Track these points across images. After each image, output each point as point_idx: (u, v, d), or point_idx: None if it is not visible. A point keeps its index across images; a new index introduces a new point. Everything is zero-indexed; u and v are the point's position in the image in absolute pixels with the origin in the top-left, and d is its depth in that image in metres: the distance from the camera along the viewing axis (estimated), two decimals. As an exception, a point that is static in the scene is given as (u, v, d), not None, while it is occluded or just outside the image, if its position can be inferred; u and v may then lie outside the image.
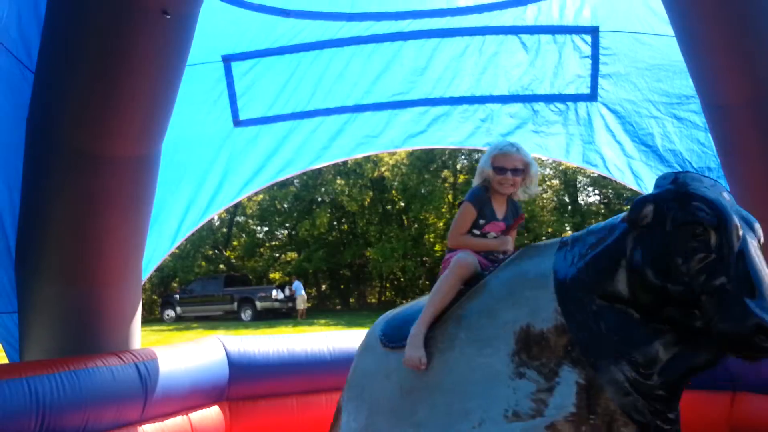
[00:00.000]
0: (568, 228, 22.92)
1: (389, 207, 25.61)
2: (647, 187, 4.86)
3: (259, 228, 29.54)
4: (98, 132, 3.23)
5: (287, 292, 22.60)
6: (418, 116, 5.17)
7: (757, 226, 2.21)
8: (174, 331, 18.42)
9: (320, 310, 25.18)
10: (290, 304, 22.38)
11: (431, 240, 24.03)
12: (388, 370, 2.72)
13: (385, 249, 22.86)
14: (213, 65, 4.78)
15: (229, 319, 22.02)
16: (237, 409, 4.20)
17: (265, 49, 4.84)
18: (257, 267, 28.31)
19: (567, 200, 25.80)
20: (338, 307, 27.12)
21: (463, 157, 23.71)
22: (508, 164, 2.91)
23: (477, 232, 2.89)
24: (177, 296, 24.02)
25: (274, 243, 29.62)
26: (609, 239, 2.38)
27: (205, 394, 3.97)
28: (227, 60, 4.81)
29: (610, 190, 24.01)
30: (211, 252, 29.56)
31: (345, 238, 26.78)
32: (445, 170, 24.52)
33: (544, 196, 26.21)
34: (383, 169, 23.32)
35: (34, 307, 3.52)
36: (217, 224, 28.90)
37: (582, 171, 22.51)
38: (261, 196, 26.53)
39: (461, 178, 24.26)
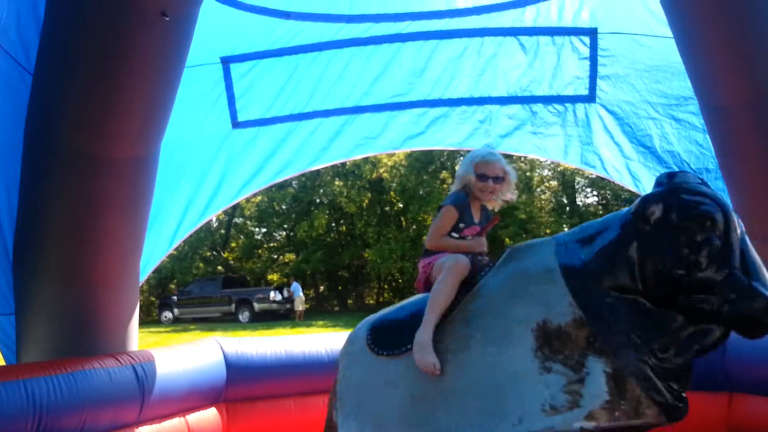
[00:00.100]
0: (566, 229, 22.91)
1: (388, 208, 25.61)
2: (645, 188, 4.86)
3: (257, 229, 29.54)
4: (97, 133, 3.22)
5: (285, 293, 22.59)
6: (417, 117, 5.17)
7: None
8: (171, 332, 18.39)
9: (318, 312, 25.17)
10: (288, 306, 22.36)
11: (430, 241, 23.98)
12: (390, 379, 2.65)
13: (383, 250, 22.86)
14: (212, 67, 4.78)
15: (227, 321, 22.00)
16: (234, 411, 4.19)
17: (263, 51, 4.84)
18: (255, 268, 28.29)
19: (565, 201, 25.82)
20: (336, 309, 27.11)
21: (461, 158, 23.71)
22: (490, 172, 3.01)
23: (456, 235, 2.96)
24: (175, 298, 23.99)
25: (272, 244, 29.61)
26: (615, 235, 2.49)
27: (203, 396, 3.96)
28: (226, 62, 4.80)
29: (609, 191, 24.04)
30: (209, 253, 29.54)
31: (343, 240, 26.78)
32: (444, 171, 24.52)
33: (543, 197, 26.24)
34: (382, 170, 23.33)
35: (32, 308, 3.51)
36: (215, 226, 28.89)
37: (580, 172, 22.54)
38: (259, 198, 26.52)
39: (460, 179, 24.23)
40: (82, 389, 3.07)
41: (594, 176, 19.02)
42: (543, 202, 25.81)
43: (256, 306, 21.89)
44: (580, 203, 25.83)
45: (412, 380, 2.58)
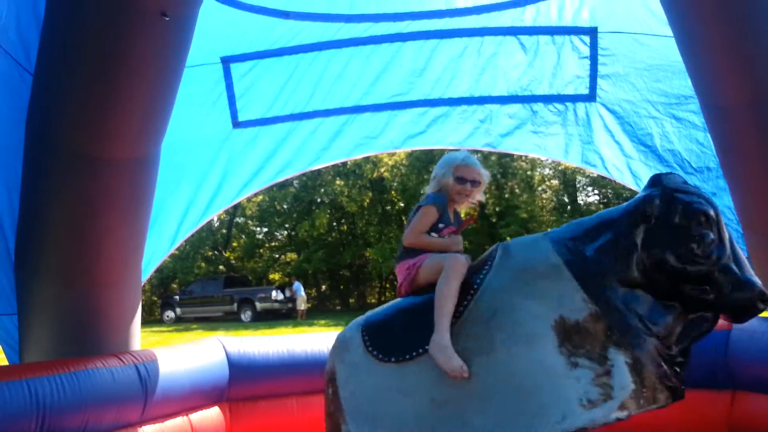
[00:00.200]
0: (567, 228, 22.87)
1: (389, 207, 25.61)
2: (646, 187, 4.86)
3: (258, 229, 29.54)
4: (97, 134, 3.23)
5: (287, 293, 22.60)
6: (417, 117, 5.18)
7: None
8: (174, 332, 18.41)
9: (320, 311, 25.18)
10: (290, 305, 22.37)
11: (431, 240, 23.98)
12: (404, 387, 2.59)
13: (384, 249, 22.86)
14: (212, 67, 4.78)
15: (229, 320, 22.02)
16: (237, 410, 4.20)
17: (264, 51, 4.84)
18: (257, 268, 28.30)
19: (566, 200, 25.81)
20: (338, 308, 27.12)
21: (462, 157, 23.69)
22: (469, 176, 3.07)
23: (435, 235, 2.98)
24: (177, 297, 24.01)
25: (273, 244, 29.62)
26: (617, 232, 2.63)
27: (205, 395, 3.97)
28: (226, 61, 4.81)
29: (610, 190, 24.03)
30: (210, 253, 29.55)
31: (344, 239, 26.78)
32: (445, 171, 24.49)
33: (544, 196, 26.23)
34: (382, 169, 23.32)
35: (34, 308, 3.52)
36: (216, 225, 28.90)
37: (581, 171, 22.52)
38: (260, 197, 26.52)
39: (460, 178, 24.22)
40: (85, 389, 3.07)
41: (595, 175, 19.01)
42: (544, 201, 25.80)
43: (258, 305, 21.91)
44: (582, 202, 25.83)
45: (430, 385, 2.55)
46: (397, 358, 2.64)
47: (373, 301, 26.83)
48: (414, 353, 2.61)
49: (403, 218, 25.03)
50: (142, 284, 4.19)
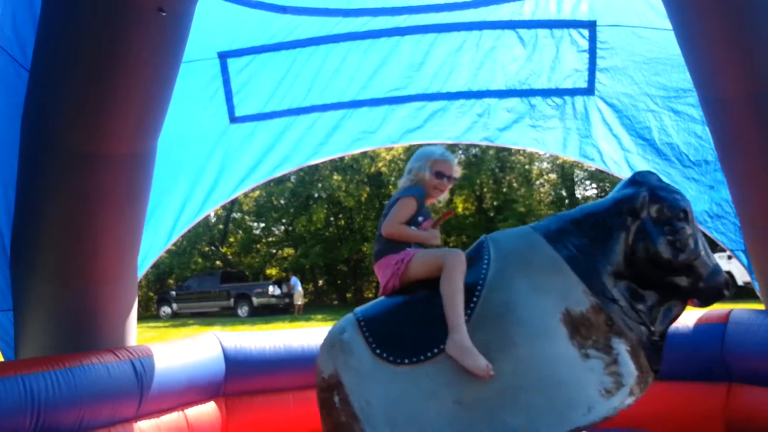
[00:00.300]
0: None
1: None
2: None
3: (255, 224, 29.54)
4: (93, 130, 3.21)
5: (284, 288, 22.60)
6: (415, 111, 5.16)
7: None
8: (170, 327, 18.42)
9: (317, 306, 25.20)
10: (287, 300, 22.38)
11: (428, 235, 24.00)
12: (424, 390, 2.53)
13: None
14: (209, 62, 4.76)
15: (226, 316, 22.03)
16: (233, 405, 4.21)
17: (261, 46, 4.82)
18: (254, 263, 28.30)
19: (564, 194, 25.83)
20: (335, 303, 27.14)
21: (460, 152, 23.70)
22: (447, 171, 3.09)
23: (414, 228, 2.96)
24: (173, 293, 24.02)
25: (270, 239, 29.62)
26: (607, 227, 2.79)
27: (202, 390, 3.97)
28: (223, 57, 4.79)
29: (608, 184, 24.04)
30: (207, 248, 29.54)
31: (342, 234, 26.78)
32: (442, 165, 24.48)
33: (542, 190, 26.27)
34: (380, 164, 23.31)
35: (30, 305, 3.50)
36: (213, 221, 28.88)
37: (579, 165, 22.53)
38: (257, 193, 26.50)
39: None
40: (81, 384, 3.07)
41: (593, 169, 19.06)
42: (542, 195, 25.84)
43: (255, 300, 21.92)
44: (580, 196, 25.85)
45: (449, 386, 2.51)
46: (411, 360, 2.58)
47: (370, 295, 26.82)
48: (429, 353, 2.57)
49: (401, 213, 25.00)
50: (139, 280, 4.17)
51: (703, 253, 2.78)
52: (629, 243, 2.75)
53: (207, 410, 4.00)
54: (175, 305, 23.40)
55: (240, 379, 4.20)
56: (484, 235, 2.99)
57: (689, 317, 4.05)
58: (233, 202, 25.62)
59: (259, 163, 5.09)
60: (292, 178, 25.55)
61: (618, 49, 4.79)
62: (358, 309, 2.88)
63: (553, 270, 2.72)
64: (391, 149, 21.86)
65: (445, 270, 2.68)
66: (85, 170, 3.27)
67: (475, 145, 21.50)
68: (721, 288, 2.79)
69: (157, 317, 23.41)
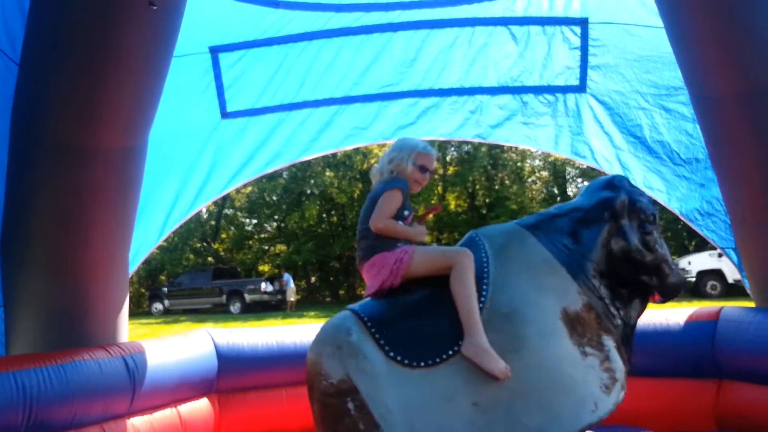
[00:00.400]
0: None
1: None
2: (635, 178, 4.88)
3: (247, 220, 29.46)
4: (84, 124, 3.19)
5: (277, 285, 22.56)
6: (408, 108, 5.16)
7: None
8: (162, 324, 18.36)
9: (310, 303, 25.19)
10: (279, 297, 22.35)
11: (421, 232, 24.02)
12: (441, 393, 2.49)
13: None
14: (200, 56, 4.74)
15: (218, 312, 21.98)
16: (226, 402, 4.20)
17: (252, 41, 4.80)
18: (246, 259, 28.24)
19: (556, 192, 25.92)
20: (328, 300, 27.13)
21: (452, 148, 23.73)
22: (429, 165, 3.03)
23: (400, 222, 2.88)
24: (165, 289, 23.92)
25: (263, 235, 29.55)
26: (590, 228, 2.91)
27: (194, 387, 3.96)
28: (214, 51, 4.77)
29: (599, 182, 24.12)
30: (199, 244, 29.45)
31: (334, 231, 26.76)
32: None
33: (534, 187, 26.34)
34: (373, 161, 23.26)
35: (20, 301, 3.48)
36: (205, 217, 28.79)
37: (571, 162, 22.60)
38: (249, 189, 26.43)
39: (450, 169, 24.28)
40: (73, 381, 3.05)
41: (584, 166, 19.10)
42: (534, 193, 25.92)
43: (247, 297, 21.87)
44: (571, 193, 25.93)
45: (466, 388, 2.49)
46: (426, 363, 2.52)
47: (362, 292, 26.81)
48: (444, 355, 2.54)
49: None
50: (130, 276, 4.16)
51: (667, 254, 2.99)
52: (608, 243, 2.89)
53: (200, 407, 4.00)
54: (166, 302, 23.31)
55: (232, 376, 4.20)
56: (473, 230, 3.00)
57: (680, 315, 4.08)
58: (225, 198, 25.55)
59: (251, 159, 5.08)
60: (285, 175, 25.50)
61: (610, 46, 4.81)
62: (356, 307, 2.77)
63: (549, 269, 2.77)
64: (383, 146, 21.72)
65: (457, 270, 2.63)
66: (75, 164, 3.25)
67: (467, 142, 21.55)
68: (681, 286, 3.01)
69: (148, 314, 23.32)
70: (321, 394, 2.59)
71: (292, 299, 21.78)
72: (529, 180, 26.27)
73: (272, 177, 24.58)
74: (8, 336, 3.57)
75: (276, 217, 28.04)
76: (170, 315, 22.32)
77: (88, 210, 3.38)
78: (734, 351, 3.74)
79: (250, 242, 29.13)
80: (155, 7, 2.91)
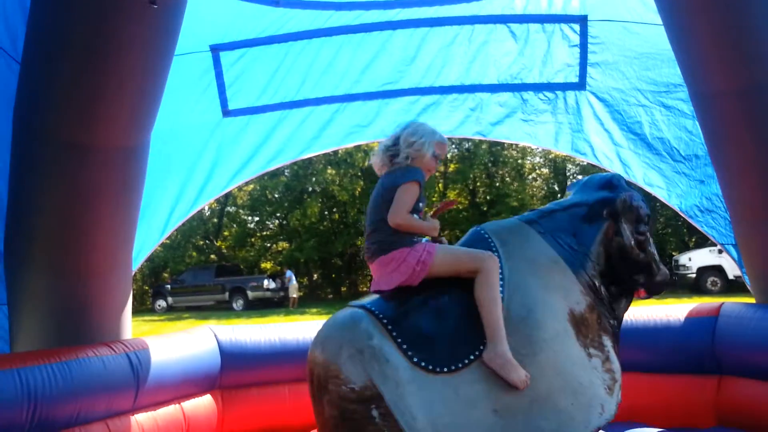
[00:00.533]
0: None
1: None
2: (635, 174, 4.90)
3: (250, 218, 29.47)
4: (86, 123, 3.21)
5: (279, 282, 22.59)
6: (408, 105, 5.17)
7: None
8: (165, 321, 18.41)
9: (312, 300, 25.22)
10: (282, 294, 22.39)
11: (422, 229, 24.01)
12: (466, 400, 2.46)
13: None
14: (201, 55, 4.76)
15: (221, 309, 22.02)
16: (229, 398, 4.23)
17: (253, 39, 4.81)
18: (248, 257, 28.26)
19: (556, 188, 25.88)
20: (330, 296, 27.15)
21: (453, 146, 23.70)
22: (443, 154, 2.97)
23: (416, 215, 2.78)
24: (168, 286, 23.97)
25: (265, 233, 29.56)
26: (591, 227, 2.94)
27: (197, 383, 3.99)
28: (215, 50, 4.78)
29: (600, 178, 24.09)
30: (202, 242, 29.48)
31: (336, 228, 26.76)
32: (436, 159, 24.45)
33: (534, 184, 26.32)
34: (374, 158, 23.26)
35: (24, 298, 3.51)
36: (207, 214, 28.81)
37: (571, 159, 22.58)
38: (251, 186, 26.44)
39: (451, 167, 24.26)
40: (77, 378, 3.08)
41: (585, 163, 19.07)
42: (535, 190, 25.90)
43: (250, 294, 21.92)
44: (572, 190, 25.88)
45: (490, 394, 2.48)
46: (449, 369, 2.49)
47: (365, 289, 26.86)
48: (466, 360, 2.51)
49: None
50: (133, 273, 4.18)
51: (655, 253, 3.08)
52: (607, 242, 2.93)
53: (203, 403, 4.02)
54: (170, 299, 23.37)
55: (235, 372, 4.22)
56: (479, 225, 2.97)
57: (681, 311, 4.09)
58: (227, 195, 25.56)
59: (252, 157, 5.10)
60: (286, 172, 25.51)
61: (609, 44, 4.82)
62: (367, 304, 2.67)
63: (554, 268, 2.78)
64: (384, 143, 21.82)
65: (484, 275, 2.58)
66: (78, 163, 3.27)
67: (467, 140, 21.53)
68: (666, 283, 3.09)
69: (152, 311, 23.36)
70: (339, 398, 2.48)
71: (295, 296, 21.82)
72: (530, 177, 26.25)
73: (274, 175, 24.58)
74: (12, 333, 3.60)
75: (278, 214, 28.05)
76: (173, 312, 22.37)
77: (91, 208, 3.40)
78: (735, 347, 3.75)
79: (253, 240, 29.15)
80: (156, 6, 2.92)
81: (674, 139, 4.77)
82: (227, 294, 22.37)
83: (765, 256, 3.87)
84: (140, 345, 3.59)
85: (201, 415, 3.97)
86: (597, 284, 2.84)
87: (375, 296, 2.77)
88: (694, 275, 17.55)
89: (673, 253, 21.25)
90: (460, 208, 24.13)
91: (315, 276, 29.04)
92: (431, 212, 3.03)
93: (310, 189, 26.17)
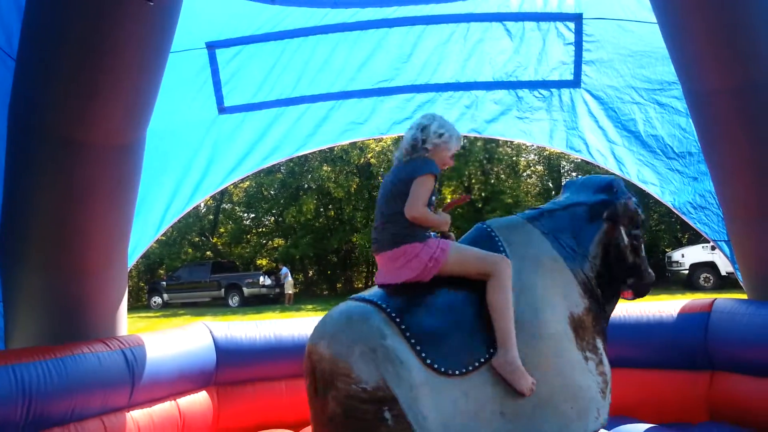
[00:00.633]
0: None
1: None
2: (630, 171, 4.92)
3: (245, 215, 29.45)
4: (82, 120, 3.21)
5: (275, 278, 22.58)
6: (404, 103, 5.18)
7: None
8: (161, 317, 18.39)
9: (308, 296, 25.22)
10: (277, 290, 22.39)
11: (418, 226, 24.03)
12: (475, 403, 2.46)
13: (371, 235, 22.82)
14: (197, 52, 4.76)
15: (217, 306, 22.02)
16: (225, 394, 4.24)
17: (249, 36, 4.81)
18: (244, 253, 28.25)
19: (551, 185, 25.94)
20: (325, 293, 27.16)
21: (449, 142, 23.70)
22: (455, 153, 2.97)
23: (430, 208, 2.75)
24: (164, 283, 23.95)
25: (260, 229, 29.55)
26: (590, 229, 2.96)
27: (193, 380, 4.00)
28: (211, 47, 4.78)
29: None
30: (197, 239, 29.44)
31: (332, 225, 26.77)
32: (431, 156, 24.45)
33: (529, 181, 26.36)
34: (369, 155, 23.28)
35: (19, 296, 3.51)
36: (203, 211, 28.77)
37: (566, 156, 22.62)
38: (247, 183, 26.42)
39: (447, 163, 24.24)
40: (72, 374, 3.08)
41: (579, 160, 19.11)
42: (529, 186, 25.94)
43: (246, 291, 21.93)
44: (567, 187, 25.92)
45: (497, 398, 2.49)
46: (461, 371, 2.47)
47: (360, 285, 26.91)
48: (476, 363, 2.51)
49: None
50: (129, 270, 4.18)
51: (645, 256, 3.12)
52: (604, 244, 2.96)
53: (199, 399, 4.03)
54: (165, 295, 23.35)
55: (231, 369, 4.23)
56: (483, 222, 2.96)
57: (673, 307, 4.12)
58: (223, 192, 25.52)
59: (248, 154, 5.10)
60: (282, 169, 25.49)
61: (604, 41, 4.83)
62: (375, 299, 2.60)
63: (557, 270, 2.80)
64: (380, 140, 21.82)
65: (497, 279, 2.56)
66: (73, 160, 3.27)
67: (463, 137, 21.48)
68: (650, 285, 3.13)
69: (147, 307, 23.35)
70: (347, 397, 2.41)
71: (290, 292, 21.83)
72: (525, 174, 26.28)
73: (270, 171, 24.57)
74: (7, 330, 3.60)
75: (274, 211, 28.03)
76: (169, 308, 22.35)
77: (87, 205, 3.40)
78: (727, 343, 3.78)
79: (248, 236, 29.12)
80: (152, 3, 2.92)
81: (668, 137, 4.79)
82: (223, 290, 22.37)
83: (758, 253, 3.89)
84: (135, 341, 3.60)
85: (196, 412, 3.98)
86: (593, 285, 2.86)
87: (379, 290, 2.71)
88: (686, 271, 17.62)
89: (666, 250, 21.33)
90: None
91: (310, 272, 29.05)
92: (443, 206, 3.04)
93: (306, 186, 26.16)
